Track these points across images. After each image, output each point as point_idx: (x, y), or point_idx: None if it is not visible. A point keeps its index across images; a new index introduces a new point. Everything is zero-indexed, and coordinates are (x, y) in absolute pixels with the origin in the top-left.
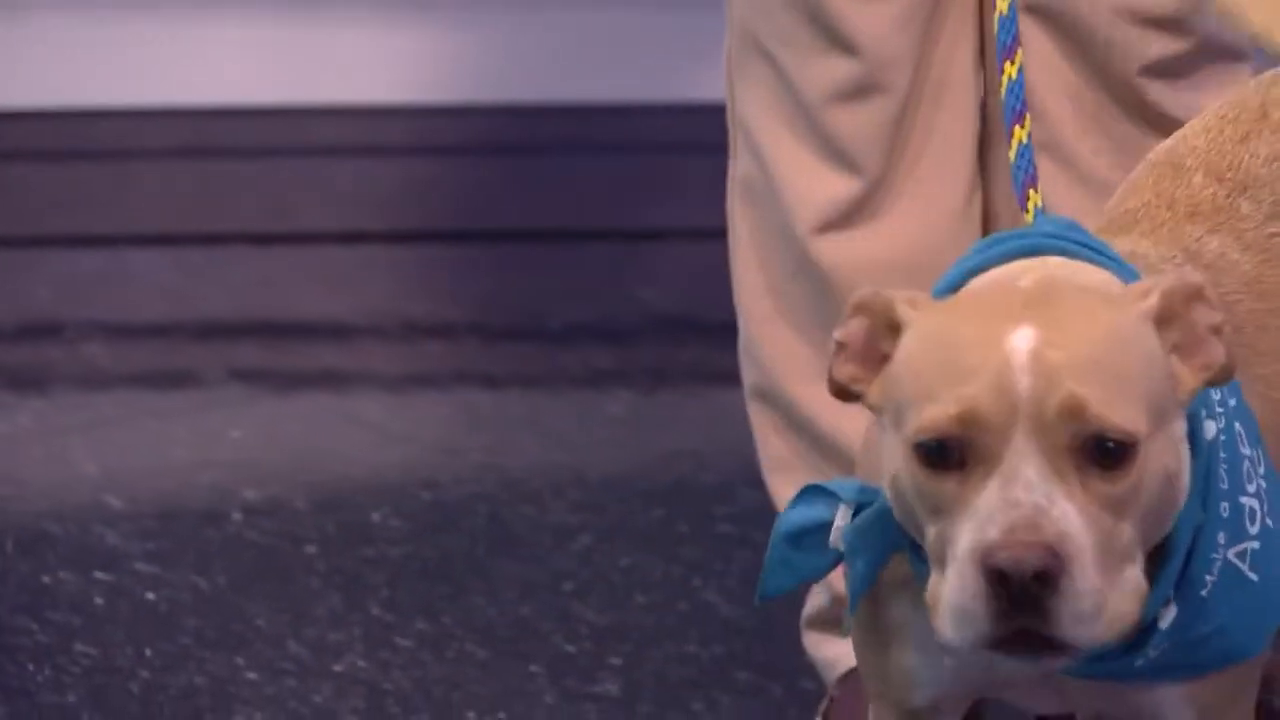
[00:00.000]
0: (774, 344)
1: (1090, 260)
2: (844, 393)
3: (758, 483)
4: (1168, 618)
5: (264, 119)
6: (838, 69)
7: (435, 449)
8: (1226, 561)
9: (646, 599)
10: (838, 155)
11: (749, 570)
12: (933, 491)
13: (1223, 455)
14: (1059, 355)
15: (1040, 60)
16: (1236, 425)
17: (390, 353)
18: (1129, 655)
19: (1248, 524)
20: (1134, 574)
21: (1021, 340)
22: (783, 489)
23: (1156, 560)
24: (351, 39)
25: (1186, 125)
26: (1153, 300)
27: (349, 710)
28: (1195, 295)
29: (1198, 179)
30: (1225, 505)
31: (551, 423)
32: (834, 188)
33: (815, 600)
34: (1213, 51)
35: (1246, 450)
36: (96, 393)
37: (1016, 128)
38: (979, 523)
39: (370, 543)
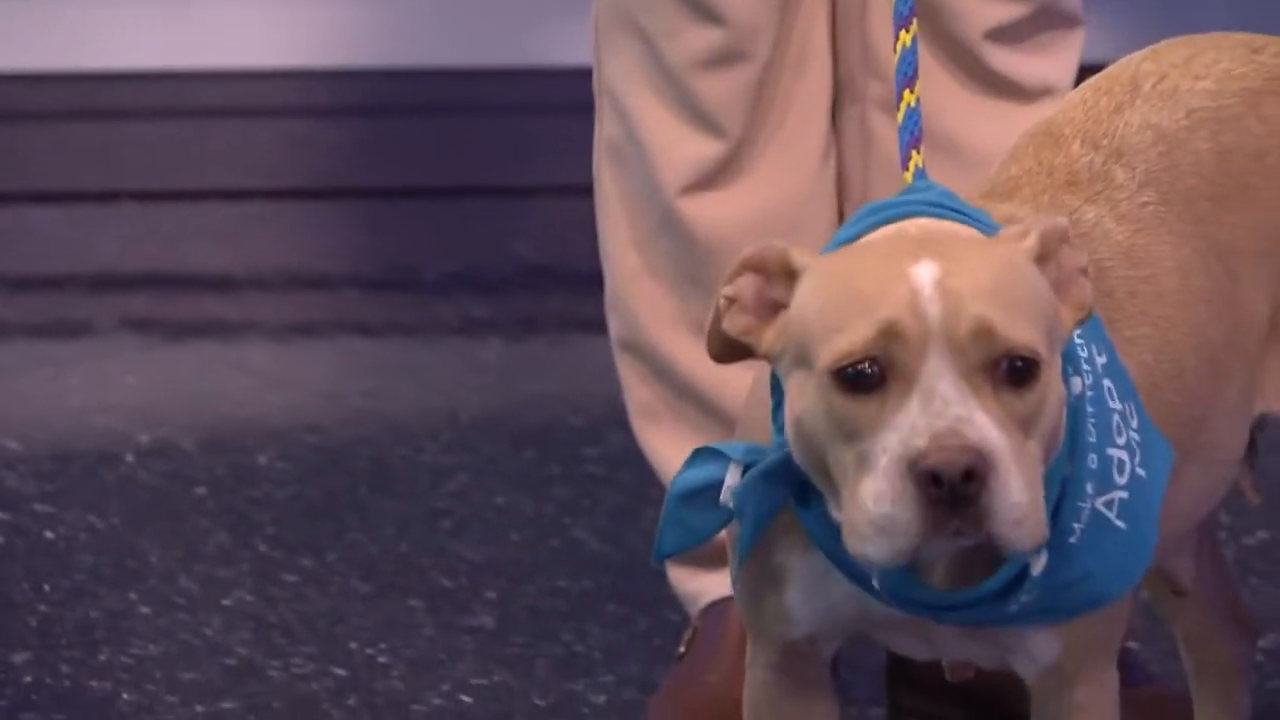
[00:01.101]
0: (640, 298)
1: (964, 224)
2: (728, 352)
3: (624, 425)
4: (1039, 564)
5: (153, 82)
6: (703, 37)
7: (318, 394)
8: (1094, 510)
9: (519, 536)
10: (702, 119)
11: (617, 509)
12: (851, 416)
13: (1090, 410)
14: (962, 282)
15: (887, 22)
16: (1106, 382)
17: (274, 303)
18: (1002, 601)
19: (1116, 475)
20: (1041, 492)
21: (925, 271)
22: (649, 435)
23: None
24: (234, 6)
25: (1064, 98)
26: (1032, 240)
27: (238, 642)
28: (1063, 237)
29: (1075, 147)
30: (1093, 457)
31: (428, 369)
32: (698, 150)
33: None
34: (1051, 16)
35: (1116, 405)
36: None
37: (906, 92)
38: (903, 435)
39: (257, 483)
